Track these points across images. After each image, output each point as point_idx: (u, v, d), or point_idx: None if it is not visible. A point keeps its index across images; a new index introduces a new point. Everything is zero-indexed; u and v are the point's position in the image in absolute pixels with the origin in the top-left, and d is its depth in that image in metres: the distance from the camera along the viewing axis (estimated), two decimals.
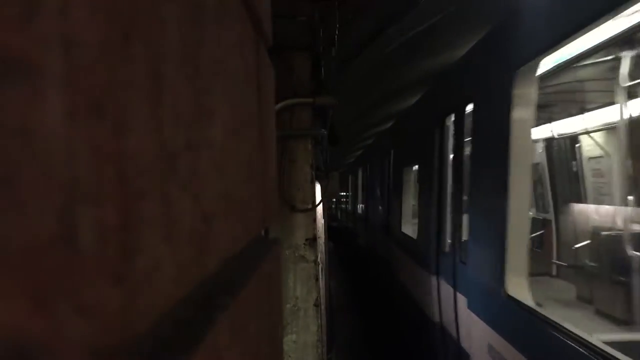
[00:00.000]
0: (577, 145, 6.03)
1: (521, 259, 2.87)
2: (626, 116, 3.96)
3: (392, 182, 7.70)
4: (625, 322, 4.04)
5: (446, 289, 4.20)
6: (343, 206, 23.17)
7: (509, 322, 2.88)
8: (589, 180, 5.89)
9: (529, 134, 2.92)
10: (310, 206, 2.92)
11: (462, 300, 3.74)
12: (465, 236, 3.85)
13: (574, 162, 6.15)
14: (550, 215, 6.30)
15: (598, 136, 5.56)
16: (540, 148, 6.32)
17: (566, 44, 2.44)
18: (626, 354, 1.95)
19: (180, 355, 0.29)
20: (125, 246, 0.25)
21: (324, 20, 2.89)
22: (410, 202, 6.88)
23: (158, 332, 0.29)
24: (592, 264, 4.76)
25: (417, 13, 3.98)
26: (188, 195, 0.35)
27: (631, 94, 3.99)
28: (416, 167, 6.28)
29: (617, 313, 4.12)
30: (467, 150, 3.92)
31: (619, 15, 2.15)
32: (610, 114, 4.77)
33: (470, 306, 3.55)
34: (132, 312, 0.25)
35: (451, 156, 4.41)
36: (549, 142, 6.37)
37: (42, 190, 0.18)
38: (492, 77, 3.21)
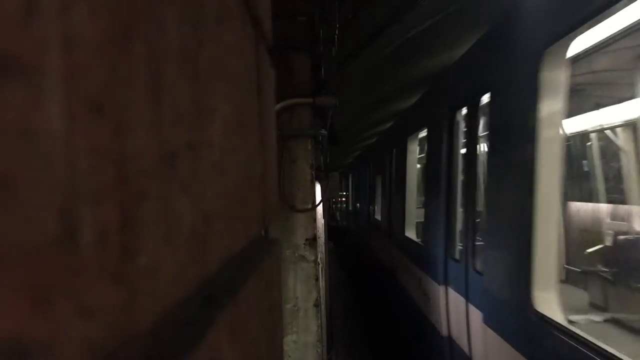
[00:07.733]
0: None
1: (411, 218, 6.73)
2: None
3: (372, 185, 11.76)
4: None
5: (395, 248, 7.63)
6: (344, 205, 24.28)
7: (406, 248, 6.58)
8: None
9: (415, 163, 7.06)
10: (310, 206, 2.91)
11: (397, 249, 7.36)
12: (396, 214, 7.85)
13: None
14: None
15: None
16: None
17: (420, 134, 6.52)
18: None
19: (180, 355, 0.29)
20: (125, 246, 0.25)
21: (324, 20, 2.89)
22: (380, 198, 10.77)
23: (158, 332, 0.29)
24: None
25: (417, 13, 3.98)
26: (188, 195, 0.35)
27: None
28: (382, 176, 10.49)
29: None
30: (398, 170, 7.79)
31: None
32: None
33: (398, 250, 7.19)
34: (132, 312, 0.25)
35: (394, 172, 8.11)
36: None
37: (42, 190, 0.18)
38: (401, 139, 7.17)
